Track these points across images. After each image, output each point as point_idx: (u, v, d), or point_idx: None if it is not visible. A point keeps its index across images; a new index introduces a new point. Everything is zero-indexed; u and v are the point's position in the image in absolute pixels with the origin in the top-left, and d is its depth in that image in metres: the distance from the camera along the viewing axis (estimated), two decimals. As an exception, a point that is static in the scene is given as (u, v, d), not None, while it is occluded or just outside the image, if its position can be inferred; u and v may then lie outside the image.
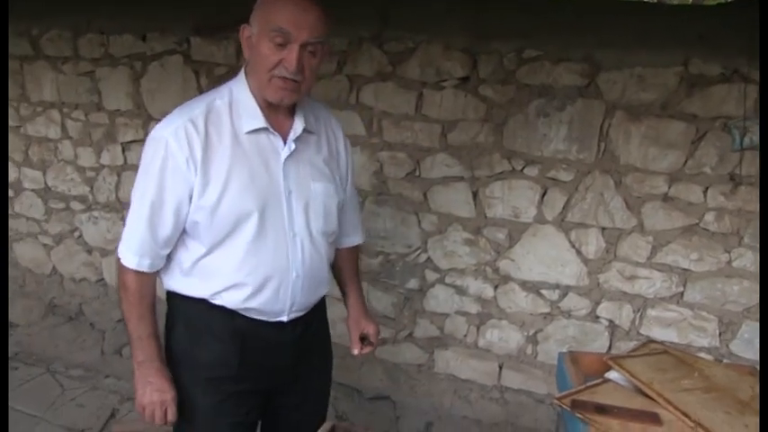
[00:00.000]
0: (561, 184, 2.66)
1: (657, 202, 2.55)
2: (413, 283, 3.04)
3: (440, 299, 3.01)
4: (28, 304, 3.99)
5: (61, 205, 3.80)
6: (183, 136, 1.46)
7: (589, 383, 1.68)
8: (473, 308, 2.96)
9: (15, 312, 3.95)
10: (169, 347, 1.70)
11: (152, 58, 3.29)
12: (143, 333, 1.57)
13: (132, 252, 1.54)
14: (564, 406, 1.56)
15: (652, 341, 2.14)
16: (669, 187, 2.52)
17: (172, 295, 1.67)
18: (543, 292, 2.82)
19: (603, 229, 2.65)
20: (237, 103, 1.53)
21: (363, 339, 1.88)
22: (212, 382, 1.63)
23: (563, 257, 2.74)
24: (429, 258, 2.98)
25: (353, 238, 1.92)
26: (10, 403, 3.10)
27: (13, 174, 3.93)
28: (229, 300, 1.57)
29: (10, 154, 3.90)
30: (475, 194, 2.81)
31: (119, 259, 1.58)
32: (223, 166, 1.49)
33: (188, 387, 1.64)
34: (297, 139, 1.57)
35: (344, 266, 1.93)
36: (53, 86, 3.60)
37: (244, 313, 1.59)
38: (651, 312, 2.68)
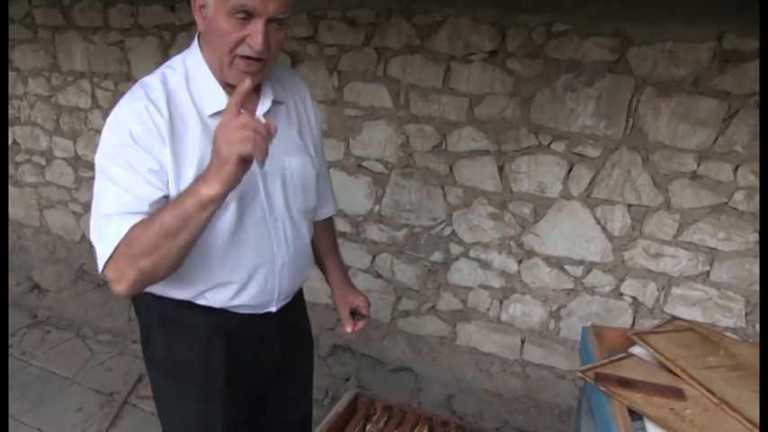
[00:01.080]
0: (588, 160, 2.64)
1: (685, 180, 2.52)
2: (437, 256, 3.06)
3: (464, 272, 3.02)
4: (58, 270, 4.10)
5: (91, 174, 3.86)
6: (149, 120, 1.26)
7: (613, 357, 1.67)
8: (496, 282, 2.97)
9: (46, 278, 4.06)
10: (150, 354, 1.56)
11: (181, 29, 3.31)
12: (183, 199, 1.18)
13: (116, 222, 1.23)
14: (587, 378, 1.57)
15: (677, 318, 2.13)
16: (698, 165, 2.48)
17: (143, 296, 1.42)
18: (567, 267, 2.82)
19: (629, 206, 2.63)
20: (195, 80, 1.35)
21: (354, 314, 1.75)
22: (200, 384, 1.51)
23: (588, 233, 2.73)
24: (454, 232, 2.99)
25: (328, 208, 1.78)
26: (44, 365, 3.22)
27: (44, 142, 4.02)
28: (215, 299, 1.44)
29: (41, 123, 3.98)
30: (501, 169, 2.80)
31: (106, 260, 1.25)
32: (194, 152, 1.30)
33: (176, 392, 1.55)
34: (266, 114, 1.40)
35: (322, 240, 1.75)
36: (84, 56, 3.65)
37: (231, 309, 1.47)
38: (676, 291, 2.66)
